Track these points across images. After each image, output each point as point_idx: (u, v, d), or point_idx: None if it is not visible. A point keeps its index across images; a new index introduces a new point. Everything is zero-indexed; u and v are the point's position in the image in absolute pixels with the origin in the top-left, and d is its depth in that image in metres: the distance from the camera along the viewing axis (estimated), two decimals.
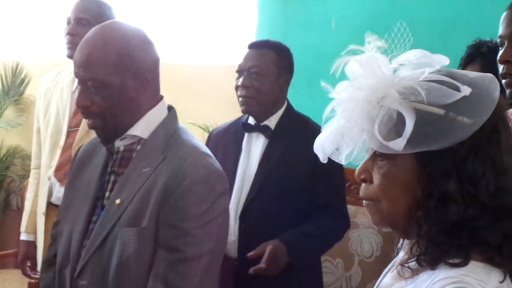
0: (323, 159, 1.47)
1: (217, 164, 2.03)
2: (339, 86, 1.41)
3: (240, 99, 2.89)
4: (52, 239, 2.28)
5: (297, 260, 2.76)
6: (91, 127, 2.04)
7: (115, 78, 1.95)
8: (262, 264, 2.63)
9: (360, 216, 3.63)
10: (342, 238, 3.01)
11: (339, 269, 3.63)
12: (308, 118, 3.00)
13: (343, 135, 1.39)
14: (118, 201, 1.97)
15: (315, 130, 2.86)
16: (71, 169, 2.27)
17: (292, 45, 3.01)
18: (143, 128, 2.04)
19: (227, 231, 2.07)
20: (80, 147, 2.32)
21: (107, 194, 2.05)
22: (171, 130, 2.06)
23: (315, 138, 2.84)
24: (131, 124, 2.02)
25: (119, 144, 2.05)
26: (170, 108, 2.14)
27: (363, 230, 3.63)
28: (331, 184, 2.86)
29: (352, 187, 3.68)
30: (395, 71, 1.35)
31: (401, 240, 2.76)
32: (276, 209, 2.82)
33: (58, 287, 2.12)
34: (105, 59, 1.95)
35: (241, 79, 2.87)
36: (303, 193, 2.85)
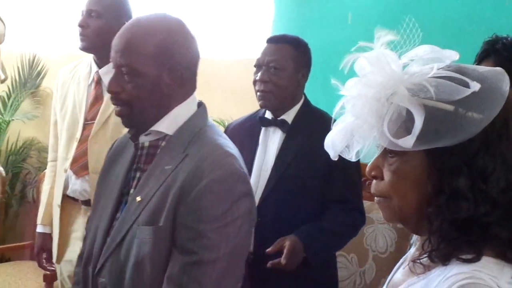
0: (333, 156, 1.47)
1: (239, 164, 1.94)
2: (349, 83, 1.41)
3: (258, 93, 2.88)
4: (86, 233, 2.25)
5: (312, 256, 2.75)
6: (117, 114, 2.00)
7: (151, 70, 1.92)
8: (282, 260, 2.63)
9: (375, 211, 3.62)
10: (357, 233, 3.01)
11: (353, 264, 3.62)
12: (325, 112, 2.98)
13: (353, 132, 1.39)
14: (139, 198, 1.94)
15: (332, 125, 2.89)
16: (104, 163, 2.25)
17: (308, 40, 3.00)
18: (169, 124, 1.99)
19: (248, 235, 1.99)
20: (116, 140, 2.29)
21: (131, 190, 2.02)
22: (197, 127, 2.01)
23: None
24: (157, 118, 1.99)
25: (144, 139, 2.02)
26: (200, 104, 2.09)
27: (378, 225, 3.62)
28: (347, 179, 2.86)
29: (367, 183, 3.67)
30: (404, 66, 1.35)
31: (413, 236, 2.77)
32: (292, 203, 2.82)
33: (82, 283, 2.11)
34: (145, 48, 1.91)
35: (259, 74, 2.87)
36: (319, 187, 2.85)
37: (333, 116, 1.46)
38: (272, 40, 2.96)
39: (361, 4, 4.07)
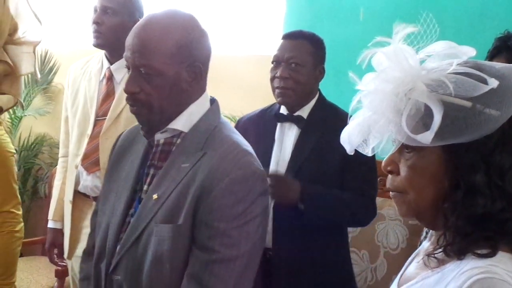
0: (350, 150, 1.48)
1: (257, 162, 1.97)
2: (366, 77, 1.42)
3: (277, 90, 2.86)
4: (91, 229, 2.26)
5: (306, 204, 2.71)
6: (134, 112, 1.99)
7: (171, 68, 1.91)
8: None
9: (387, 208, 3.62)
10: (365, 221, 2.98)
11: (364, 261, 3.62)
12: (339, 108, 2.97)
13: (370, 127, 1.39)
14: (155, 196, 1.94)
15: (347, 120, 2.87)
16: (110, 158, 2.24)
17: (320, 35, 3.00)
18: (184, 121, 1.99)
19: (265, 232, 2.00)
20: (120, 135, 2.29)
21: (145, 187, 2.01)
22: (212, 125, 2.01)
23: None
24: (175, 116, 1.98)
25: (159, 137, 2.01)
26: (213, 101, 2.09)
27: (389, 222, 3.62)
28: (362, 173, 2.84)
29: (379, 179, 3.67)
30: (421, 62, 1.36)
31: (423, 232, 2.75)
32: None
33: (94, 280, 2.11)
34: (164, 47, 1.90)
35: (279, 70, 2.84)
36: (335, 182, 2.83)
37: (349, 111, 1.46)
38: (290, 36, 2.94)
39: (373, 0, 4.06)
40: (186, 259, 1.89)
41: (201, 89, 2.03)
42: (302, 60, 2.84)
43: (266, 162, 2.87)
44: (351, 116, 1.47)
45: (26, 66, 2.66)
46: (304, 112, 2.93)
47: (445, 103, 1.25)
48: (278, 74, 2.84)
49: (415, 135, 1.27)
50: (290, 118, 2.94)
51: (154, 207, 1.93)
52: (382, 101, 1.33)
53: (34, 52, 2.74)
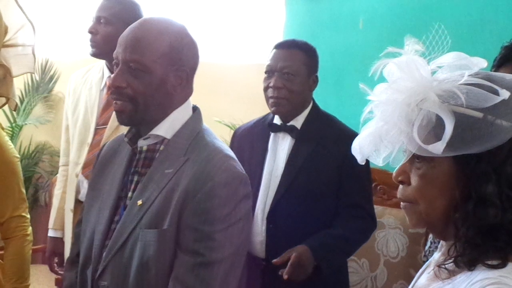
0: (361, 160, 1.48)
1: (240, 167, 2.00)
2: (378, 88, 1.42)
3: (271, 100, 2.86)
4: (75, 238, 2.27)
5: (324, 264, 2.74)
6: (118, 109, 1.99)
7: (160, 68, 1.94)
8: (284, 275, 2.62)
9: (386, 216, 3.62)
10: (369, 238, 2.99)
11: (364, 269, 3.62)
12: (334, 117, 2.99)
13: (381, 137, 1.39)
14: (140, 202, 1.95)
15: (341, 129, 2.89)
16: (94, 168, 2.26)
17: (319, 45, 3.00)
18: (167, 128, 2.01)
19: (249, 235, 2.05)
20: (104, 145, 2.30)
21: (129, 194, 2.02)
22: (195, 131, 2.03)
23: (341, 138, 2.85)
24: (158, 119, 2.00)
25: (143, 143, 2.03)
26: (195, 109, 2.11)
27: (389, 230, 3.62)
28: (358, 184, 2.85)
29: (378, 188, 3.67)
30: (433, 73, 1.36)
31: (428, 242, 2.75)
32: (303, 209, 2.81)
33: (80, 287, 2.12)
34: (157, 45, 1.93)
35: (272, 80, 2.84)
36: (330, 193, 2.84)
37: (360, 121, 1.46)
38: (282, 46, 2.94)
39: (372, 10, 4.08)
40: (172, 263, 1.91)
41: (185, 96, 2.06)
42: (295, 69, 2.84)
43: (259, 172, 2.89)
44: (363, 126, 1.47)
45: (18, 68, 2.70)
46: (297, 121, 2.92)
47: (456, 114, 1.26)
48: (271, 84, 2.84)
49: (426, 146, 1.28)
50: (283, 128, 2.93)
51: (139, 212, 1.94)
52: (393, 111, 1.34)
53: (33, 53, 2.76)
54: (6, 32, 2.63)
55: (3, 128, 2.67)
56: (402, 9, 3.91)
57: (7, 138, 2.71)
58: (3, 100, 2.71)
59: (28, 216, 2.75)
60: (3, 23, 2.60)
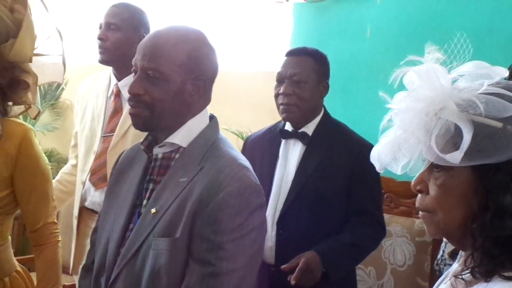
0: (379, 168, 1.47)
1: (254, 176, 1.97)
2: (397, 96, 1.42)
3: (281, 107, 2.88)
4: (91, 245, 2.27)
5: (333, 270, 2.74)
6: (133, 113, 1.99)
7: (177, 76, 1.94)
8: (292, 281, 2.61)
9: (394, 224, 3.62)
10: (378, 246, 2.99)
11: (371, 277, 3.62)
12: (344, 125, 3.00)
13: (400, 145, 1.39)
14: (153, 210, 1.95)
15: (352, 137, 2.90)
16: (111, 175, 2.26)
17: (326, 52, 3.00)
18: (183, 136, 2.02)
19: (262, 246, 2.01)
20: (122, 153, 2.30)
21: (144, 202, 2.03)
22: (210, 140, 2.03)
23: (351, 146, 2.85)
24: (174, 127, 2.01)
25: (158, 151, 2.03)
26: (212, 117, 2.11)
27: (396, 238, 3.61)
28: (367, 191, 2.85)
29: (385, 196, 3.67)
30: (453, 81, 1.36)
31: (440, 251, 2.73)
32: (313, 216, 2.81)
33: None
34: (175, 55, 1.94)
35: (282, 87, 2.86)
36: (340, 200, 2.84)
37: (380, 129, 1.46)
38: (293, 53, 2.96)
39: (380, 18, 4.07)
40: (183, 272, 1.89)
41: (202, 105, 2.06)
42: (306, 76, 2.85)
43: (269, 177, 2.89)
44: (382, 134, 1.47)
45: (43, 77, 2.73)
46: (309, 128, 2.93)
47: (475, 123, 1.26)
48: (281, 91, 2.86)
49: (444, 155, 1.27)
50: (294, 135, 2.95)
51: (153, 221, 1.94)
52: (412, 119, 1.34)
53: (63, 63, 2.80)
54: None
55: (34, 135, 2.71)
56: (409, 17, 3.90)
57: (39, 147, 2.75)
58: (22, 107, 2.73)
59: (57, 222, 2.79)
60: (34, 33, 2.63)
